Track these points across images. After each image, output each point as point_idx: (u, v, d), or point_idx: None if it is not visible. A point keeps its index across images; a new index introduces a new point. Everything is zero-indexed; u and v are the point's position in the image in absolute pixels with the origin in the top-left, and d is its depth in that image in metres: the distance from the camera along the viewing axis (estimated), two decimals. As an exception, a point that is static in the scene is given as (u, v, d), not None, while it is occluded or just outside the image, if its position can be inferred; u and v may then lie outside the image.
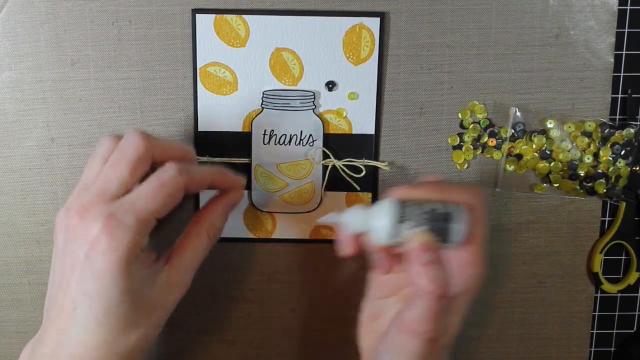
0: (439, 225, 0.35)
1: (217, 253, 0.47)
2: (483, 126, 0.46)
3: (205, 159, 0.45)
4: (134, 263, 0.34)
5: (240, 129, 0.45)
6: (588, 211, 0.47)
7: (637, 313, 0.49)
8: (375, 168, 0.45)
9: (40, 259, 0.47)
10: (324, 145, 0.45)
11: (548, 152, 0.45)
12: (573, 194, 0.46)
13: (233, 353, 0.49)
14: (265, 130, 0.45)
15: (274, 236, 0.47)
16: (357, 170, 0.42)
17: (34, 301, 0.48)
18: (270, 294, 0.48)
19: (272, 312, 0.49)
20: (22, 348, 0.37)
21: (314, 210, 0.46)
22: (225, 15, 0.43)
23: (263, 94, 0.45)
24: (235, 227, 0.47)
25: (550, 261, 0.48)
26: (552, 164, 0.46)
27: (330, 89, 0.45)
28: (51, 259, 0.36)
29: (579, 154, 0.45)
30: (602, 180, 0.46)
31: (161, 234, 0.37)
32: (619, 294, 0.49)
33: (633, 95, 0.45)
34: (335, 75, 0.44)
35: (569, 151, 0.45)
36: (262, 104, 0.45)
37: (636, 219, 0.47)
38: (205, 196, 0.43)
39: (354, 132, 0.45)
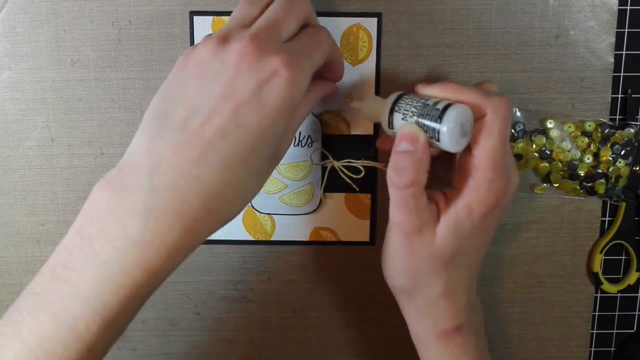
0: (428, 122, 0.34)
1: (217, 253, 0.47)
2: (483, 126, 0.46)
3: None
4: (292, 109, 0.33)
5: (240, 129, 0.45)
6: (588, 211, 0.47)
7: (637, 313, 0.49)
8: (375, 169, 0.45)
9: (41, 259, 0.47)
10: (323, 146, 0.45)
11: (548, 152, 0.45)
12: (573, 194, 0.46)
13: (233, 353, 0.49)
14: (264, 131, 0.45)
15: (273, 238, 0.47)
16: (356, 171, 0.42)
17: (34, 301, 0.48)
18: (270, 294, 0.48)
19: (272, 312, 0.49)
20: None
21: (313, 211, 0.46)
22: (222, 17, 0.43)
23: (263, 94, 0.45)
24: (235, 229, 0.47)
25: (550, 261, 0.48)
26: (552, 164, 0.45)
27: (329, 89, 0.45)
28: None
29: (579, 154, 0.45)
30: (602, 180, 0.45)
31: None
32: (619, 294, 0.49)
33: (633, 95, 0.45)
34: (335, 75, 0.44)
35: (569, 151, 0.45)
36: (261, 104, 0.45)
37: (636, 219, 0.47)
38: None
39: (352, 133, 0.45)
